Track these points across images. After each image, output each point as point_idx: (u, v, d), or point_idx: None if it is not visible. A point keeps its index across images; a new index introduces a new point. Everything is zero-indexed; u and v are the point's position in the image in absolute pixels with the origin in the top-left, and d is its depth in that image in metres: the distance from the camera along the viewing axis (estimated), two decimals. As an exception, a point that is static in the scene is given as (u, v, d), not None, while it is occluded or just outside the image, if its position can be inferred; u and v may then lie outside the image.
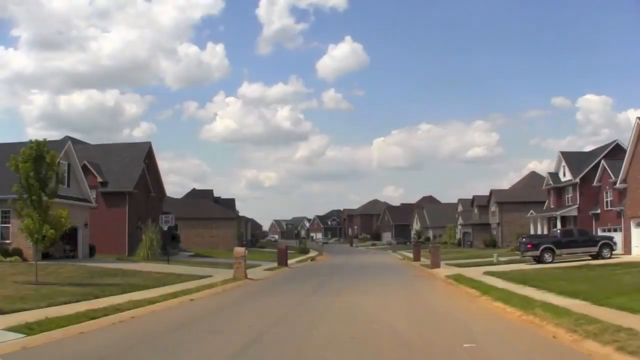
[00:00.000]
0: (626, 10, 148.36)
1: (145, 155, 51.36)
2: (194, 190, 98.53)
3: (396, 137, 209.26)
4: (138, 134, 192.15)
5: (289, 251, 76.99)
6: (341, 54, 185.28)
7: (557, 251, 33.06)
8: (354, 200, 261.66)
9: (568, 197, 53.42)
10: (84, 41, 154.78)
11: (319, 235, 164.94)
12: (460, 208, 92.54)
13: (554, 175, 55.59)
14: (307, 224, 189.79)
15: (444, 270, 32.49)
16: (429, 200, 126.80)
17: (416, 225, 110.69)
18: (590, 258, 33.84)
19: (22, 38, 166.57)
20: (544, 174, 63.59)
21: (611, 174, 45.41)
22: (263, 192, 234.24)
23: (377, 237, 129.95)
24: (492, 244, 71.68)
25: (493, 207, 74.54)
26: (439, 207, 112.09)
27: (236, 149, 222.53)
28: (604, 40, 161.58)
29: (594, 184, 48.55)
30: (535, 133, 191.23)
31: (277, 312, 14.14)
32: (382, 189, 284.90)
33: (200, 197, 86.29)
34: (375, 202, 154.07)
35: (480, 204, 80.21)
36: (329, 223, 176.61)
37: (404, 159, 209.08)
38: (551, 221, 55.54)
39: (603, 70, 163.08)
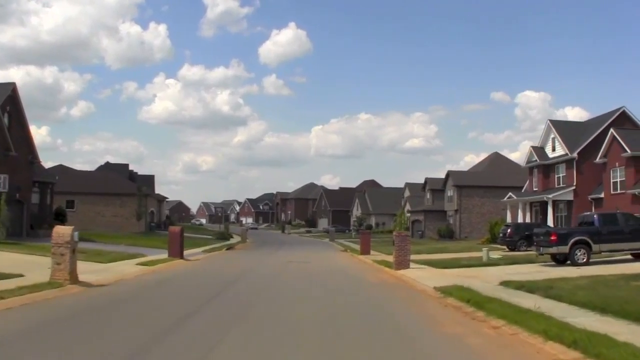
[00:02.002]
0: (564, 9, 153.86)
1: (4, 100, 36.92)
2: (107, 164, 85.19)
3: (335, 126, 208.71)
4: (76, 113, 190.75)
5: (205, 236, 64.85)
6: (284, 40, 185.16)
7: (594, 246, 21.34)
8: (291, 187, 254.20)
9: (559, 178, 41.92)
10: (24, 15, 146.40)
11: (250, 220, 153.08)
12: (407, 193, 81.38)
13: (540, 150, 43.96)
14: (238, 208, 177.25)
15: (421, 274, 20.31)
16: (371, 185, 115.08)
17: (357, 212, 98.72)
18: (632, 258, 22.52)
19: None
20: (508, 155, 53.11)
21: (625, 146, 34.27)
22: (200, 175, 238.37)
23: (312, 223, 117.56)
24: (448, 234, 60.61)
25: (450, 191, 63.09)
26: (382, 191, 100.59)
27: (174, 131, 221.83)
28: (543, 37, 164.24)
29: (597, 160, 37.33)
30: (474, 127, 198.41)
31: None
32: (319, 176, 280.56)
33: (114, 172, 72.58)
34: (311, 186, 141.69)
35: (433, 187, 68.80)
36: (261, 207, 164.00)
37: (343, 148, 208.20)
38: (534, 207, 44.18)
39: (542, 67, 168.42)
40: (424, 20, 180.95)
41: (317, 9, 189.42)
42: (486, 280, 17.43)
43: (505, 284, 15.80)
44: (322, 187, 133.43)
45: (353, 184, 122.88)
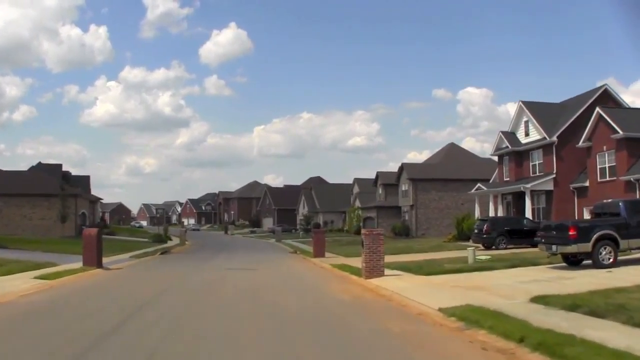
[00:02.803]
0: (504, 6, 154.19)
1: None
2: (39, 164, 78.14)
3: (277, 126, 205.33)
4: (18, 117, 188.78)
5: (141, 239, 58.64)
6: (225, 40, 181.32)
7: (622, 243, 16.66)
8: (234, 187, 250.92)
9: (534, 165, 37.53)
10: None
11: (192, 221, 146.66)
12: (357, 189, 76.54)
13: (511, 136, 39.46)
14: (179, 209, 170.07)
15: (402, 285, 15.26)
16: (317, 181, 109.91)
17: (303, 210, 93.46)
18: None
19: None
20: (463, 145, 48.93)
21: (616, 127, 30.03)
22: (143, 178, 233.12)
23: (257, 223, 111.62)
24: (404, 232, 56.04)
25: (404, 186, 58.52)
26: (330, 188, 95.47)
27: (117, 134, 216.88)
28: (484, 34, 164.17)
29: (580, 144, 33.06)
30: (416, 124, 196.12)
31: None
32: (262, 176, 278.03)
33: (46, 172, 65.78)
34: (255, 185, 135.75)
35: (386, 182, 64.08)
36: (203, 208, 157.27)
37: (285, 147, 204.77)
38: (505, 199, 39.73)
39: (483, 63, 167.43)
40: (364, 19, 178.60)
41: (257, 9, 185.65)
42: (501, 293, 12.47)
43: (542, 301, 10.84)
44: (266, 185, 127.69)
45: (297, 183, 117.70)
